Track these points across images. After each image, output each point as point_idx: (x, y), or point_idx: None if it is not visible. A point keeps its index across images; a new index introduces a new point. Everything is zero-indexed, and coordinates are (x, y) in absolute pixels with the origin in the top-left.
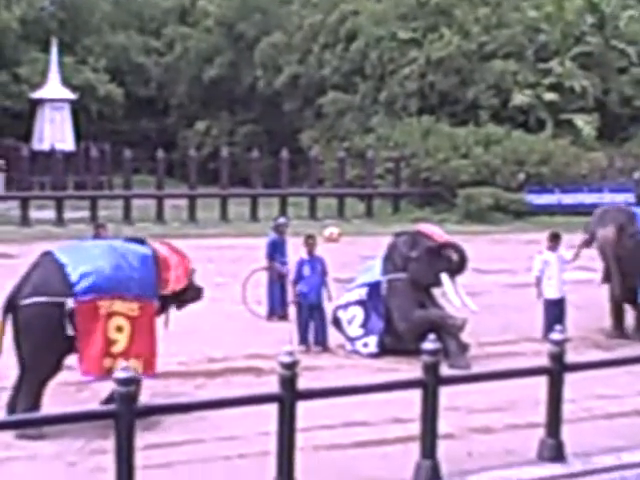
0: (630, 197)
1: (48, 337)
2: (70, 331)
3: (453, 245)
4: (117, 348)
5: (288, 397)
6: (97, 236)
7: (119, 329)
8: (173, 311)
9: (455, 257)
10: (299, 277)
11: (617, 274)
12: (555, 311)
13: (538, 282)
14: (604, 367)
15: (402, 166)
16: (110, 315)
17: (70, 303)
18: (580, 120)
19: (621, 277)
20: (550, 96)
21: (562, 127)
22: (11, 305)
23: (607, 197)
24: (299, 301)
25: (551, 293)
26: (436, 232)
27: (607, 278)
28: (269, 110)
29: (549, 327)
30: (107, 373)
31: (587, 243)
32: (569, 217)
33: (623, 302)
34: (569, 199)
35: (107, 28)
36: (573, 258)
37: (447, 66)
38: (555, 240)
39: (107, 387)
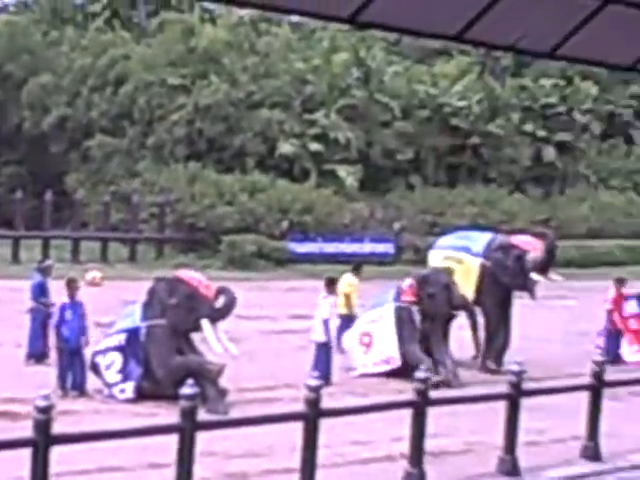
0: (390, 247)
1: None
2: None
3: (225, 290)
4: None
5: (42, 441)
6: None
7: None
8: None
9: (222, 302)
10: (61, 321)
11: None
12: None
13: None
14: (359, 413)
15: (167, 211)
16: None
17: None
18: (343, 171)
19: None
20: (315, 146)
21: (326, 177)
22: None
23: (368, 247)
24: (61, 346)
25: None
26: (195, 278)
27: None
28: (35, 151)
29: None
30: None
31: None
32: (330, 265)
33: None
34: (331, 248)
35: None
36: None
37: (215, 113)
38: None
39: None
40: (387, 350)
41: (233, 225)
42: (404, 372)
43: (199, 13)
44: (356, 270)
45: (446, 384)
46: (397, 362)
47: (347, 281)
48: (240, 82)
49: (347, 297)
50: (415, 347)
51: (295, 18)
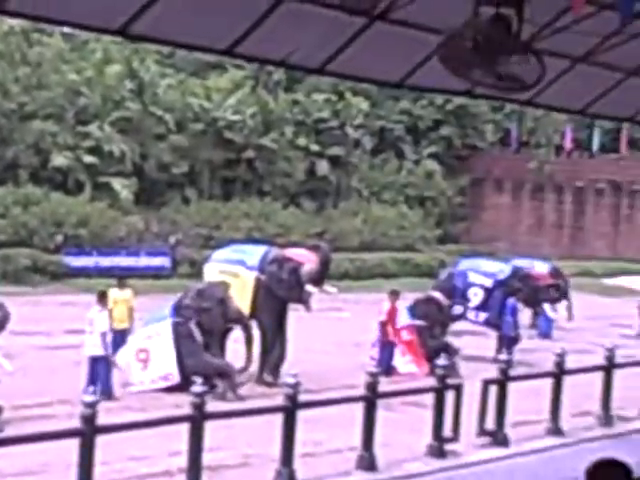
0: (166, 261)
1: None
2: None
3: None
4: None
5: None
6: None
7: None
8: None
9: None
10: None
11: None
12: None
13: None
14: (136, 428)
15: None
16: None
17: None
18: (118, 184)
19: None
20: (89, 159)
21: (100, 190)
22: None
23: (143, 260)
24: None
25: None
26: None
27: None
28: None
29: None
30: None
31: None
32: (106, 279)
33: None
34: (106, 261)
35: None
36: None
37: None
38: None
39: None
40: (165, 367)
41: (6, 238)
42: (183, 387)
43: None
44: (121, 285)
45: (223, 398)
46: (176, 378)
47: (111, 297)
48: (12, 93)
49: (110, 312)
50: (201, 358)
51: (67, 28)
